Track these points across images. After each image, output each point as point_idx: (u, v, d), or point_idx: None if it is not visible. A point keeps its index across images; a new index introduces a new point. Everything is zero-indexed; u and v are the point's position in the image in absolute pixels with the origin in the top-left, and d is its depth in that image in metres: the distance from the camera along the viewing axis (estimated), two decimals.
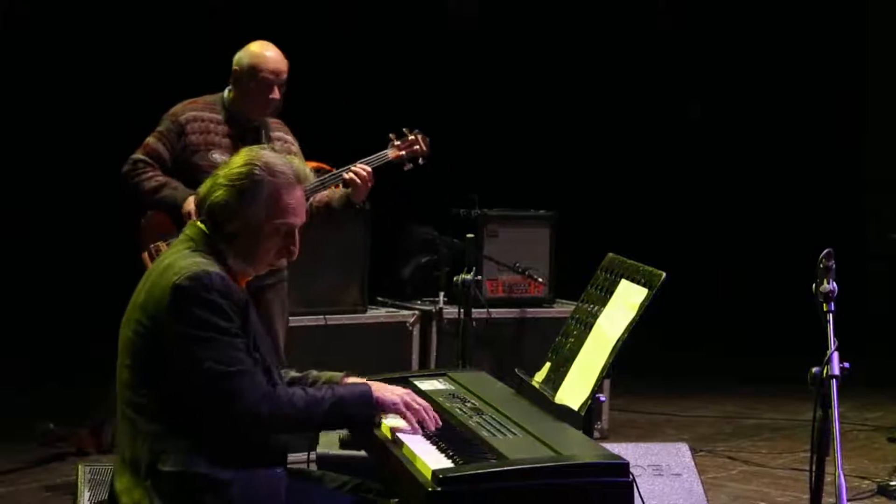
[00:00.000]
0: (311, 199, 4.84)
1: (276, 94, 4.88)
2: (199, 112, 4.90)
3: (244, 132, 4.91)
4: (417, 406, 3.06)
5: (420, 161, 5.11)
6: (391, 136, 5.10)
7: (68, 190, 8.33)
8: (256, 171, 2.94)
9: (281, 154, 3.07)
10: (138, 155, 4.88)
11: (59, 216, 8.44)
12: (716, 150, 10.15)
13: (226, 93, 4.95)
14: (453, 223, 6.28)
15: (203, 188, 3.00)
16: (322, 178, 4.89)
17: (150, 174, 4.83)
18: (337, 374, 3.24)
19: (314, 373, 3.26)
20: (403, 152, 5.06)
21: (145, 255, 4.82)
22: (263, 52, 4.88)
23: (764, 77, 9.99)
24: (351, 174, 4.84)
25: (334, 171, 4.91)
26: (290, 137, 5.04)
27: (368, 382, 3.15)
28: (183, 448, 2.84)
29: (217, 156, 4.79)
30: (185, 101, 4.97)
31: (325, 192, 4.90)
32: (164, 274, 2.87)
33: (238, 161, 2.99)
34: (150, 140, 4.90)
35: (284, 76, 4.89)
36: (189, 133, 4.85)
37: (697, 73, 10.23)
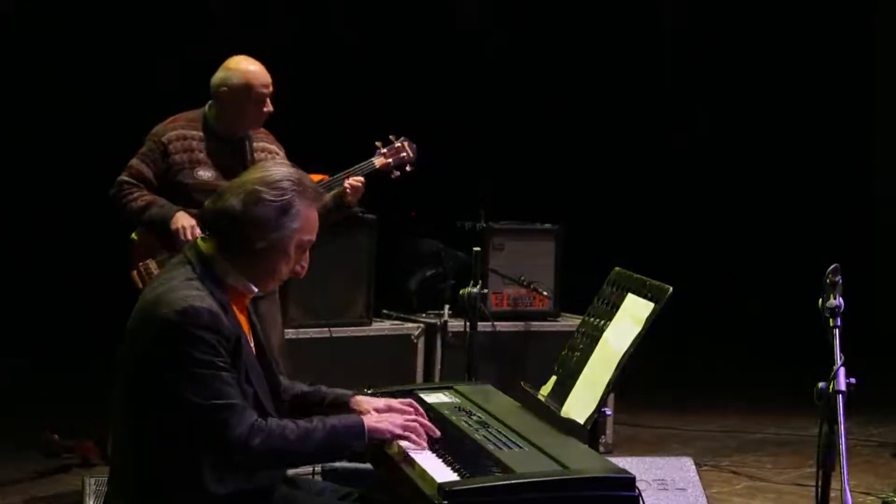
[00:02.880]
0: None
1: (270, 107, 4.88)
2: (182, 130, 4.89)
3: (228, 147, 4.90)
4: (412, 424, 3.02)
5: (407, 168, 5.13)
6: (377, 143, 5.11)
7: (72, 193, 8.34)
8: (294, 189, 2.92)
9: (301, 171, 3.07)
10: (123, 177, 4.88)
11: (61, 218, 8.44)
12: (722, 161, 10.15)
13: (207, 108, 4.93)
14: (459, 236, 6.29)
15: (231, 204, 2.91)
16: (328, 181, 4.92)
17: (137, 194, 4.83)
18: (346, 393, 3.23)
19: (323, 389, 3.25)
20: (390, 160, 5.09)
21: (134, 273, 4.83)
22: (252, 69, 4.86)
23: (769, 83, 9.98)
24: (347, 186, 4.87)
25: (329, 180, 4.91)
26: (274, 147, 5.03)
27: (366, 404, 3.15)
28: (171, 484, 2.83)
29: (202, 173, 4.81)
30: (166, 121, 4.95)
31: None
32: (155, 305, 2.84)
33: (270, 177, 2.92)
34: (134, 162, 4.89)
35: (272, 87, 4.89)
36: (172, 153, 4.85)
37: (703, 81, 10.24)
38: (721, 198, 10.13)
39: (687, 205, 10.21)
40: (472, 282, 5.55)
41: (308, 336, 5.68)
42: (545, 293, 6.22)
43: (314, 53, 8.80)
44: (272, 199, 2.90)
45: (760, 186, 10.02)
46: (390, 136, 5.12)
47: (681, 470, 4.49)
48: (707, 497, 4.46)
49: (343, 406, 3.18)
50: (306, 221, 2.95)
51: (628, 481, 2.77)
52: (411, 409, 3.14)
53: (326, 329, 5.73)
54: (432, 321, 6.12)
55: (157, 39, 8.55)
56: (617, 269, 3.54)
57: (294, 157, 5.01)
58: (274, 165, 3.07)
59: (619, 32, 10.24)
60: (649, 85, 10.38)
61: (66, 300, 8.21)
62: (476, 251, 5.73)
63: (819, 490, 3.14)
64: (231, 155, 4.86)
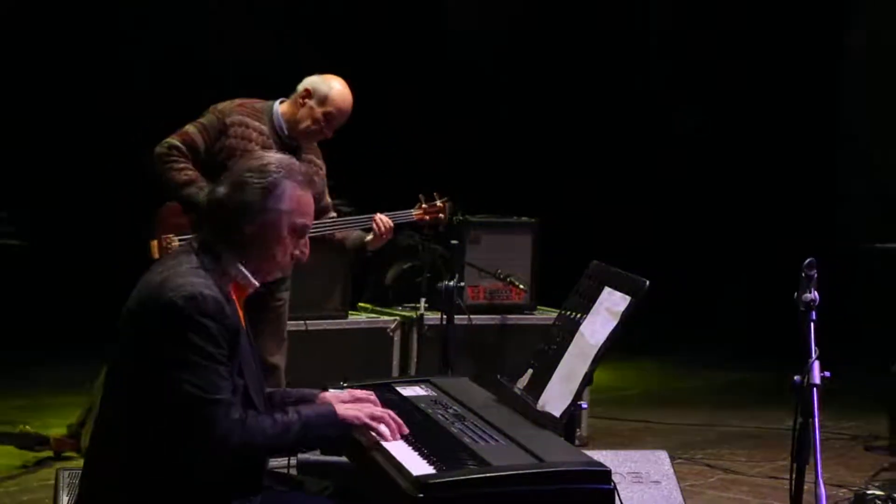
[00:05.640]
0: (333, 234, 4.96)
1: (330, 133, 4.89)
2: (245, 118, 4.82)
3: (282, 148, 4.79)
4: (381, 414, 3.05)
5: (440, 228, 5.34)
6: (421, 196, 5.20)
7: (60, 196, 8.32)
8: (277, 170, 2.95)
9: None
10: (175, 141, 4.77)
11: (53, 221, 8.41)
12: (699, 158, 10.19)
13: (276, 105, 4.90)
14: (436, 229, 6.28)
15: (217, 192, 2.95)
16: (350, 217, 4.97)
17: (182, 165, 4.74)
18: (312, 392, 3.23)
19: (288, 389, 3.27)
20: (427, 217, 5.19)
21: (155, 243, 4.78)
22: (344, 92, 4.87)
23: (747, 87, 10.03)
24: (375, 222, 4.92)
25: (362, 216, 4.96)
26: (319, 161, 5.02)
27: (332, 398, 3.16)
28: (152, 467, 2.83)
29: None
30: (234, 101, 4.88)
31: (344, 231, 4.98)
32: (161, 290, 2.83)
33: (256, 163, 2.98)
34: (191, 129, 4.79)
35: (346, 120, 4.91)
36: (231, 136, 4.78)
37: (684, 80, 10.28)
38: (697, 194, 10.17)
39: (665, 199, 10.23)
40: (448, 275, 5.56)
41: None
42: (521, 286, 6.23)
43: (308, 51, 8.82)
44: (256, 181, 2.92)
45: (742, 184, 10.07)
46: (434, 193, 5.21)
47: (656, 463, 4.50)
48: (681, 490, 4.48)
49: (309, 403, 3.18)
50: (296, 203, 2.95)
51: (604, 474, 2.78)
52: (374, 398, 3.18)
53: (302, 322, 5.71)
54: (408, 314, 6.12)
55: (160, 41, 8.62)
56: (594, 262, 3.54)
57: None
58: (264, 153, 3.09)
59: (603, 31, 10.26)
60: (630, 78, 10.41)
61: (42, 296, 8.17)
62: (453, 244, 5.75)
63: (793, 483, 3.16)
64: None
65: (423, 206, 5.17)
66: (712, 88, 10.03)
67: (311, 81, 4.88)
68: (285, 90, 4.93)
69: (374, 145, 8.68)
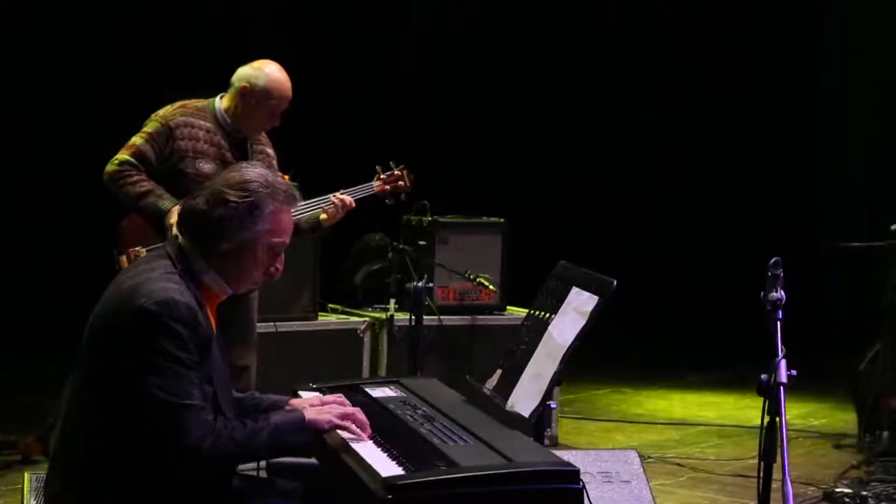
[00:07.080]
0: None
1: (277, 122, 4.84)
2: (189, 118, 4.77)
3: (232, 143, 4.82)
4: (351, 411, 3.06)
5: (402, 197, 5.19)
6: (378, 168, 5.15)
7: (58, 196, 8.27)
8: (261, 190, 2.91)
9: (274, 172, 3.07)
10: (124, 156, 4.71)
11: (51, 220, 8.36)
12: (669, 156, 10.22)
13: (217, 101, 4.85)
14: (405, 230, 6.29)
15: (196, 203, 2.93)
16: (313, 201, 4.90)
17: (136, 178, 4.68)
18: (282, 399, 3.23)
19: (256, 395, 3.26)
20: (388, 187, 5.14)
21: (123, 258, 4.74)
22: (280, 78, 4.80)
23: (719, 84, 10.05)
24: (336, 200, 4.87)
25: (322, 197, 4.91)
26: (270, 151, 4.98)
27: (302, 404, 3.15)
28: (118, 472, 2.81)
29: (203, 164, 4.70)
30: (174, 105, 4.82)
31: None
32: (133, 294, 2.82)
33: (238, 178, 2.93)
34: (138, 141, 4.73)
35: (289, 104, 4.86)
36: (178, 138, 4.72)
37: (650, 78, 10.31)
38: (665, 192, 10.20)
39: (633, 198, 10.26)
40: (417, 276, 5.56)
41: None
42: (491, 287, 6.24)
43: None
44: (236, 200, 2.89)
45: (706, 182, 10.09)
46: (391, 163, 5.17)
47: (625, 462, 4.51)
48: (651, 489, 4.49)
49: (279, 410, 3.17)
50: (275, 223, 2.93)
51: (573, 474, 2.78)
52: (343, 400, 3.18)
53: (272, 323, 5.70)
54: (378, 315, 6.11)
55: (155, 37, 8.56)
56: (562, 262, 3.56)
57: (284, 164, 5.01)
58: (247, 167, 3.02)
59: (568, 30, 10.28)
60: (598, 78, 10.43)
61: (22, 297, 8.11)
62: (422, 245, 5.75)
63: (761, 481, 3.18)
64: (233, 151, 4.79)
65: (382, 176, 5.13)
66: (712, 88, 10.03)
67: (245, 76, 4.79)
68: None
69: (371, 145, 8.69)
